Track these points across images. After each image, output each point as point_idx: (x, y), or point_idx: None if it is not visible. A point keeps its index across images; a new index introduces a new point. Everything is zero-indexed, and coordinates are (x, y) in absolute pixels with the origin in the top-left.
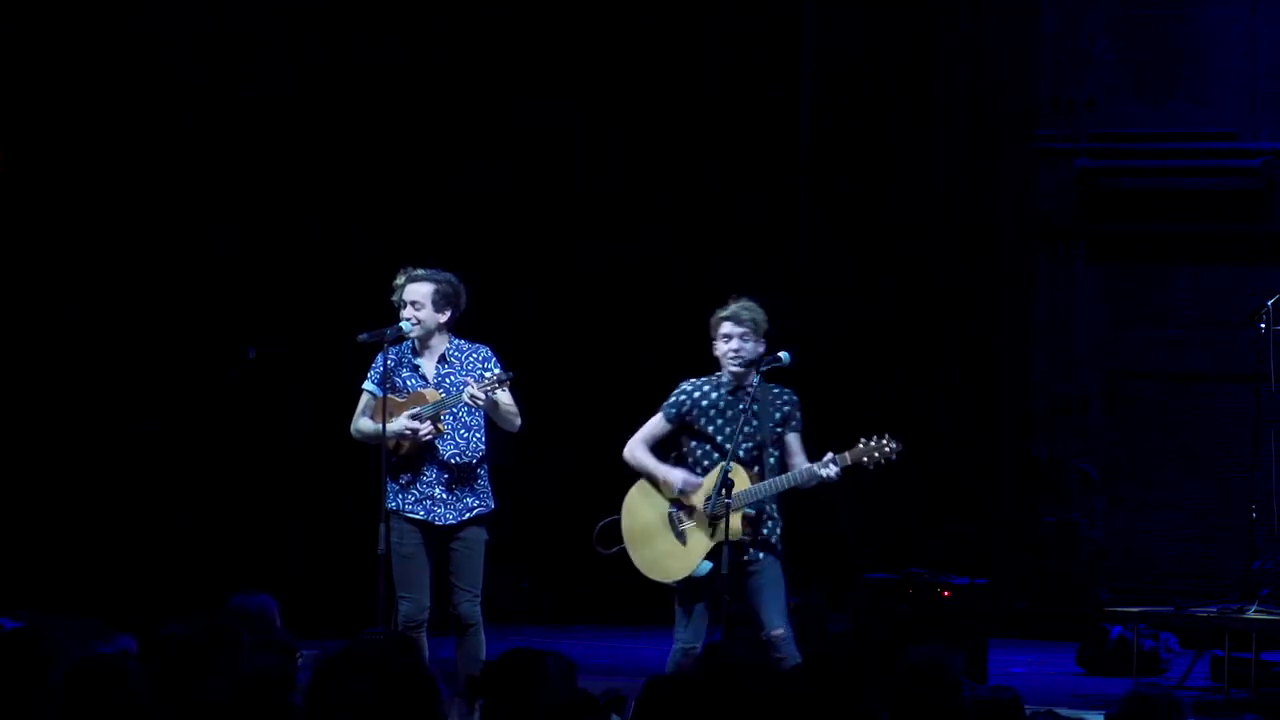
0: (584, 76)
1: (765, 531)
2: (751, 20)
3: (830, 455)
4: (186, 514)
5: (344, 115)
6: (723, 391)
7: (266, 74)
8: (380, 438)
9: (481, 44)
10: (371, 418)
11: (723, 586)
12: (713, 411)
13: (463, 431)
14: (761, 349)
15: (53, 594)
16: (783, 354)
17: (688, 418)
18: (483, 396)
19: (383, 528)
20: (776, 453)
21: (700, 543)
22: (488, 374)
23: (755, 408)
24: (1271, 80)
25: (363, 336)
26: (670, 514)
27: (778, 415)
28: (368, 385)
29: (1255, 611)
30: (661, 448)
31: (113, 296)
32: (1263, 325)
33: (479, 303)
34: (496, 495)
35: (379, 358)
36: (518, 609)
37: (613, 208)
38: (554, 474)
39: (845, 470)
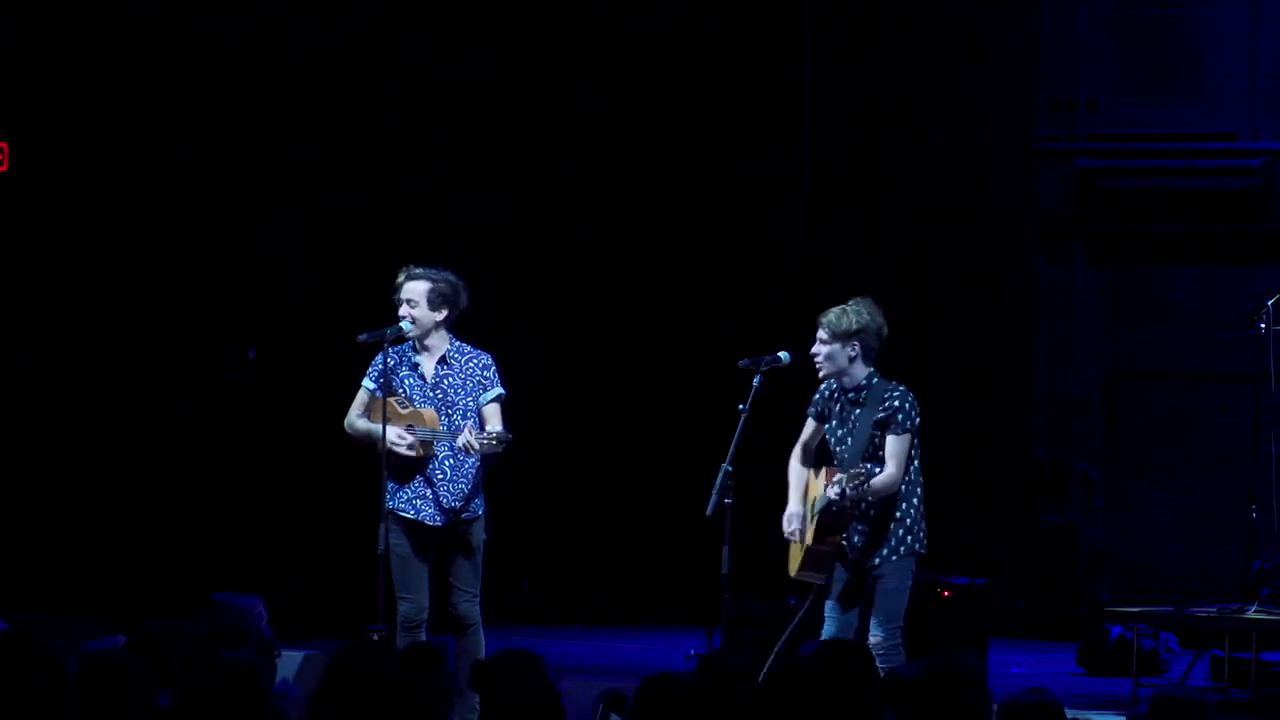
0: (583, 77)
1: (857, 538)
2: (751, 18)
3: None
4: (186, 514)
5: (343, 114)
6: (842, 393)
7: (266, 73)
8: (373, 437)
9: (486, 49)
10: (368, 416)
11: (724, 586)
12: (835, 410)
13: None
14: (852, 352)
15: (52, 593)
16: (782, 354)
17: (823, 416)
18: (477, 447)
19: (382, 527)
20: (875, 466)
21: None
22: (492, 431)
23: (858, 411)
24: (1271, 80)
25: (363, 337)
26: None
27: (878, 417)
28: (366, 383)
29: (1255, 611)
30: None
31: (111, 297)
32: (1263, 325)
33: (482, 302)
34: (493, 496)
35: (379, 356)
36: (518, 609)
37: (613, 208)
38: (554, 474)
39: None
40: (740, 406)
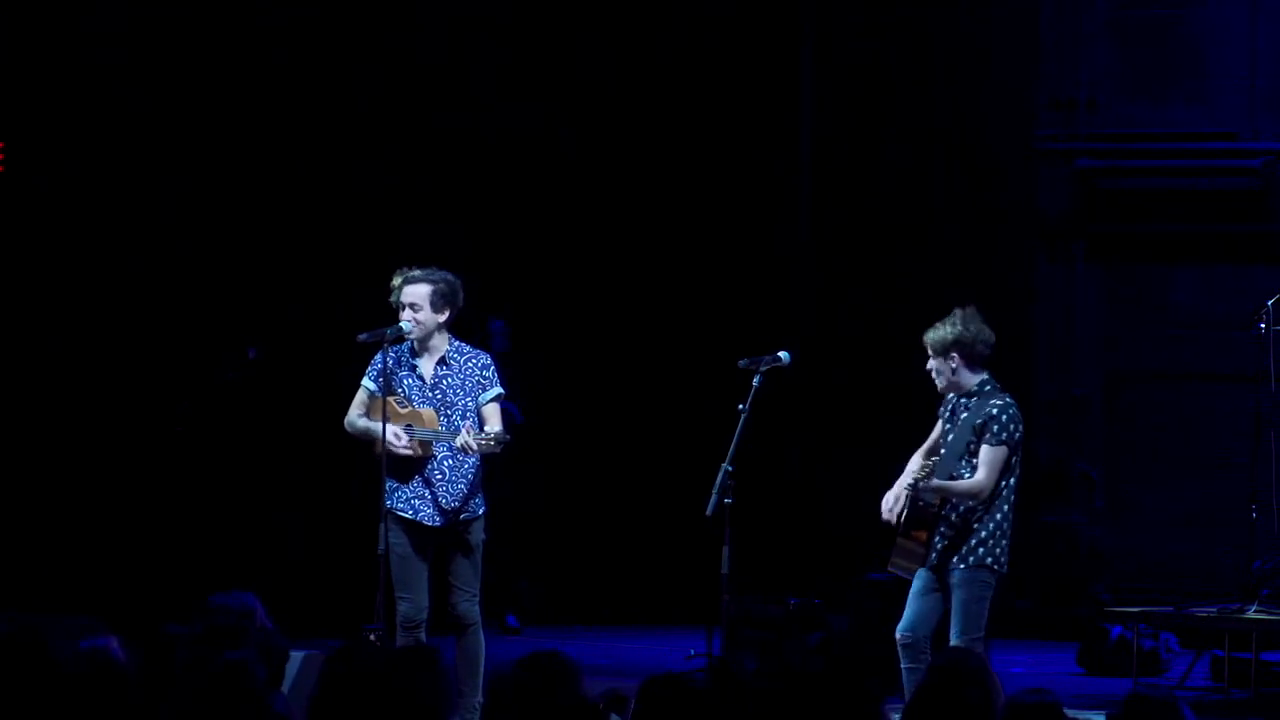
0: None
1: (942, 543)
2: (752, 18)
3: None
4: (186, 514)
5: (341, 112)
6: (956, 398)
7: (269, 71)
8: (371, 435)
9: (488, 43)
10: (367, 415)
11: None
12: (950, 414)
13: None
14: (953, 363)
15: (50, 593)
16: (782, 354)
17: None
18: (475, 448)
19: (382, 527)
20: (966, 469)
21: None
22: (490, 431)
23: (964, 415)
24: (1271, 80)
25: (363, 336)
26: None
27: (976, 423)
28: (366, 382)
29: (1255, 611)
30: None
31: (110, 297)
32: (1263, 325)
33: (483, 299)
34: (492, 496)
35: (378, 356)
36: (518, 609)
37: (613, 208)
38: (555, 474)
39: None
40: (740, 406)
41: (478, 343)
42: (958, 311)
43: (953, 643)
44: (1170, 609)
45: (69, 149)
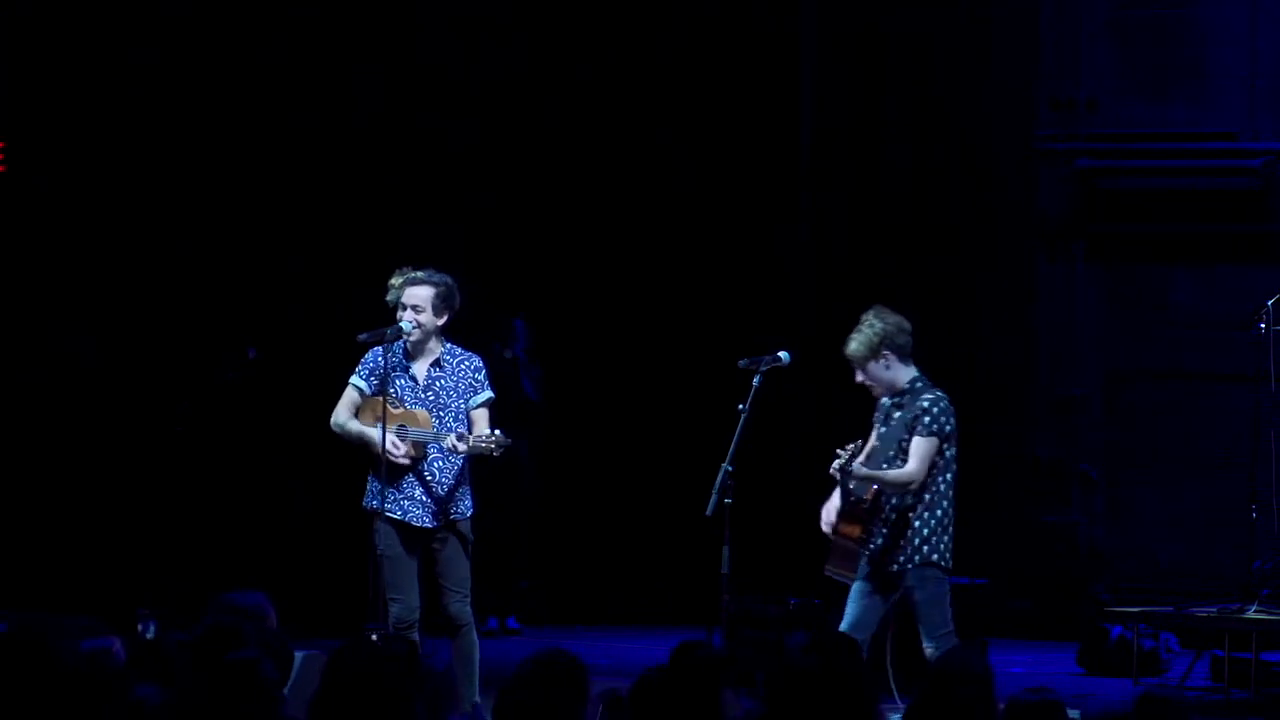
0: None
1: (879, 540)
2: (752, 19)
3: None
4: (186, 514)
5: (339, 112)
6: (890, 398)
7: (269, 71)
8: (366, 440)
9: (489, 40)
10: (358, 416)
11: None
12: (884, 415)
13: None
14: (885, 363)
15: (50, 593)
16: (782, 354)
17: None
18: (462, 449)
19: (380, 527)
20: (900, 464)
21: None
22: (491, 435)
23: (898, 413)
24: (1271, 80)
25: (363, 336)
26: None
27: (908, 419)
28: (356, 381)
29: (1255, 611)
30: None
31: (111, 297)
32: (1263, 325)
33: (483, 299)
34: (490, 497)
35: (370, 355)
36: (517, 609)
37: (614, 209)
38: (555, 474)
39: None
40: (740, 406)
41: (486, 341)
42: (866, 315)
43: (925, 645)
44: (1170, 609)
45: (69, 149)
